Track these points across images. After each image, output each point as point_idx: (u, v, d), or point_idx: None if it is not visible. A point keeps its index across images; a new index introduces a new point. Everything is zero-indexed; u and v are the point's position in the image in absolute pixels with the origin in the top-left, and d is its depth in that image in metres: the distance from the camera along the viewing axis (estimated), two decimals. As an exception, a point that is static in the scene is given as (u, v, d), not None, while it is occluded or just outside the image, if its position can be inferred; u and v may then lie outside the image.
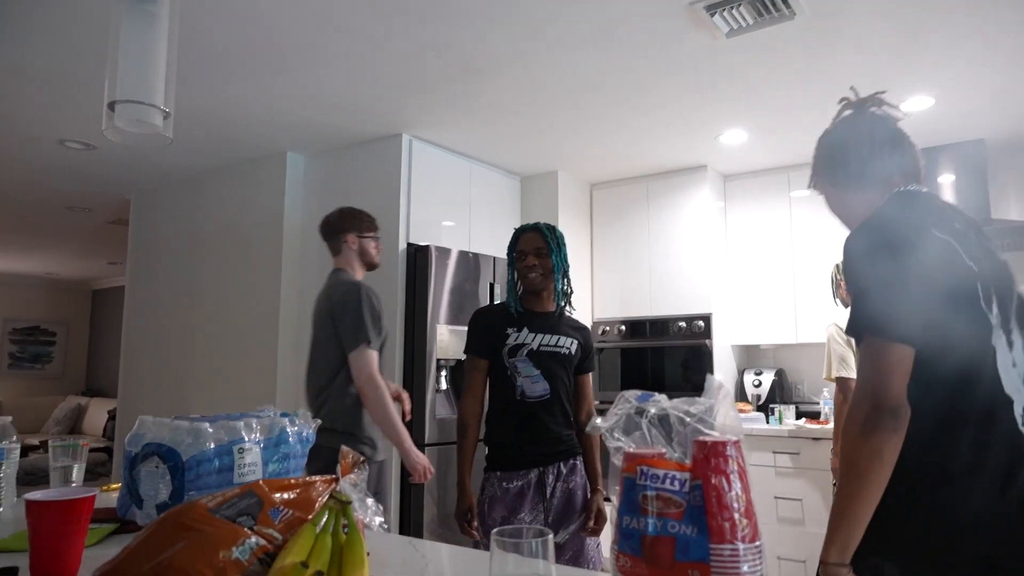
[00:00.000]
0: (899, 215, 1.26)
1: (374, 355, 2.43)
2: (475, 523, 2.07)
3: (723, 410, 0.88)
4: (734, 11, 2.49)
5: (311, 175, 4.13)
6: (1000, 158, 3.97)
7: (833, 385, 3.26)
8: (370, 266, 2.67)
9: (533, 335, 2.16)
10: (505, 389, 2.13)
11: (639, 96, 3.25)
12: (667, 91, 3.20)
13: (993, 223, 3.63)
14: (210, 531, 0.82)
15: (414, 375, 3.53)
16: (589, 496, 2.15)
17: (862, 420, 1.11)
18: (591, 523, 2.11)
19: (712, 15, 2.51)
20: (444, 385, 3.65)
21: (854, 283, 1.21)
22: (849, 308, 1.22)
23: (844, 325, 3.06)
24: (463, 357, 3.64)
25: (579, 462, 2.16)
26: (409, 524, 3.40)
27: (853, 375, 3.07)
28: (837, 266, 3.35)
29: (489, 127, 3.67)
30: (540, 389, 2.12)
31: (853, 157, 1.38)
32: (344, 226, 2.65)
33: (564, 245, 2.21)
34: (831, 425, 3.74)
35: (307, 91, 3.19)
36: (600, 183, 4.73)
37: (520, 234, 2.22)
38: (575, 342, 2.20)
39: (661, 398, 0.93)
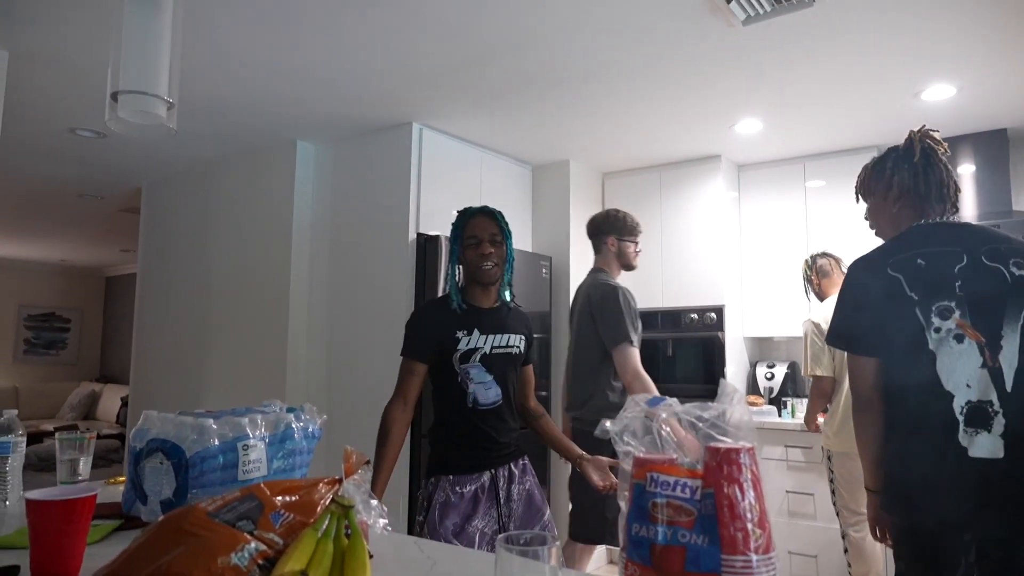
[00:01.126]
0: (878, 252, 1.72)
1: (636, 352, 2.58)
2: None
3: (737, 415, 0.86)
4: (751, -2, 2.43)
5: (321, 164, 4.11)
6: (1022, 148, 3.89)
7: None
8: (627, 267, 2.83)
9: (485, 337, 2.01)
10: (455, 397, 1.97)
11: (653, 84, 3.20)
12: (682, 79, 3.14)
13: (1014, 215, 3.56)
14: (209, 536, 0.81)
15: (424, 366, 3.51)
16: (582, 465, 2.09)
17: (853, 404, 1.70)
18: (608, 481, 2.04)
19: (729, 1, 2.46)
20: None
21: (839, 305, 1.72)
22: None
23: (820, 321, 3.07)
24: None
25: (527, 461, 2.11)
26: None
27: (826, 374, 3.06)
28: (807, 261, 3.34)
29: (500, 116, 3.63)
30: (493, 396, 2.02)
31: (896, 185, 1.79)
32: (606, 228, 2.82)
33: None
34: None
35: (317, 80, 3.16)
36: (612, 172, 4.68)
37: (469, 218, 2.03)
38: (523, 338, 2.10)
39: (673, 402, 0.91)
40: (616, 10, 2.54)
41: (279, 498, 0.91)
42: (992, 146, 3.74)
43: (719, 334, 4.12)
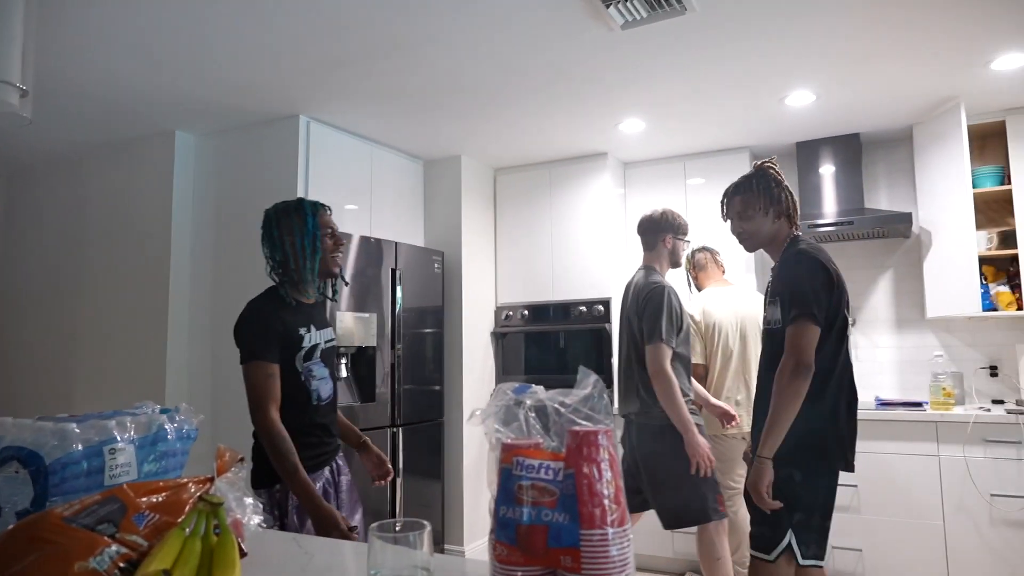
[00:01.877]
0: (818, 247, 2.13)
1: (667, 351, 2.67)
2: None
3: (595, 400, 0.91)
4: (628, 4, 2.54)
5: (202, 156, 3.94)
6: (873, 151, 4.26)
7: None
8: (675, 265, 2.95)
9: (319, 332, 2.06)
10: (297, 396, 1.97)
11: (540, 84, 3.28)
12: (567, 80, 3.24)
13: (865, 212, 3.89)
14: (64, 542, 0.78)
15: (313, 363, 3.45)
16: (367, 450, 2.18)
17: (794, 371, 1.96)
18: (383, 471, 2.15)
19: (607, 7, 2.55)
20: (345, 373, 3.59)
21: (798, 284, 2.04)
22: (779, 302, 2.08)
23: (695, 311, 3.29)
24: (361, 345, 3.61)
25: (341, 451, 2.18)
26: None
27: (699, 361, 3.29)
28: (687, 255, 3.53)
29: (391, 110, 3.61)
30: (329, 390, 2.08)
31: (787, 199, 2.20)
32: (664, 227, 2.88)
33: None
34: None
35: (197, 67, 3.03)
36: (504, 168, 4.75)
37: (317, 209, 2.07)
38: (332, 330, 2.17)
39: (538, 389, 0.95)
40: (503, 12, 2.59)
41: (144, 499, 0.89)
42: (847, 149, 4.08)
43: (606, 325, 4.28)
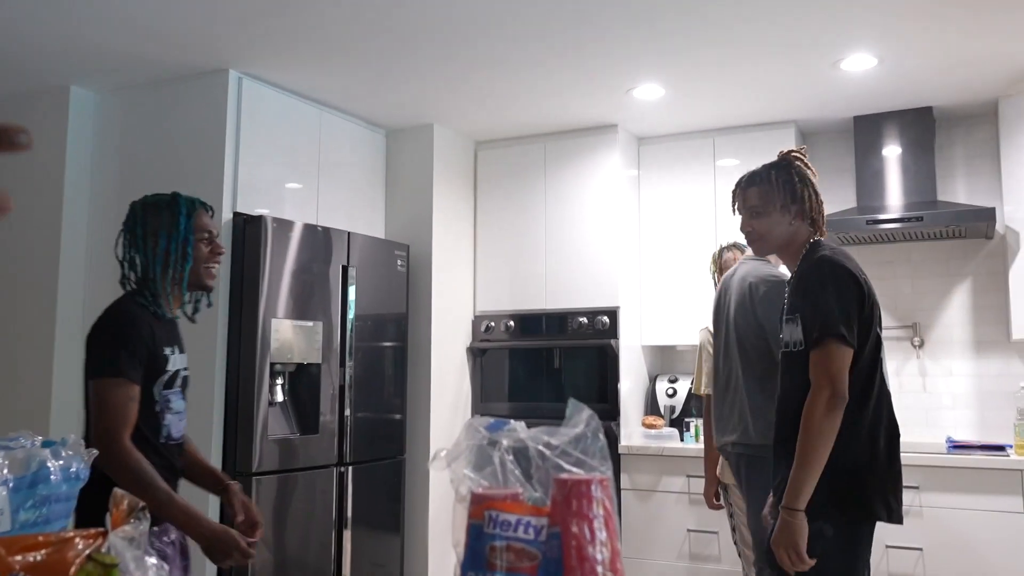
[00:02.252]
0: (848, 257, 2.15)
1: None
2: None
3: (589, 441, 0.92)
4: (646, -60, 2.56)
5: (105, 118, 3.93)
6: (949, 130, 4.31)
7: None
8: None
9: (181, 357, 2.11)
10: (145, 430, 1.98)
11: (536, 35, 3.30)
12: (569, 31, 3.25)
13: (938, 205, 3.94)
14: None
15: (240, 383, 3.44)
16: (229, 497, 2.17)
17: (828, 403, 1.98)
18: (251, 522, 2.12)
19: (620, -57, 2.58)
20: (281, 396, 3.59)
21: (823, 299, 2.06)
22: (799, 319, 2.10)
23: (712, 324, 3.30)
24: (301, 361, 3.61)
25: None
26: (231, 574, 3.33)
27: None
28: (714, 254, 3.54)
29: (346, 66, 3.61)
30: (182, 427, 2.11)
31: (812, 199, 2.22)
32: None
33: None
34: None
35: (99, 8, 3.02)
36: (487, 141, 4.76)
37: (195, 208, 2.11)
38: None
39: (518, 426, 0.96)
40: (486, -57, 2.60)
41: (18, 557, 0.89)
42: (917, 127, 4.13)
43: (612, 342, 4.30)
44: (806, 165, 2.27)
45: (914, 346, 4.26)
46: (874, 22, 3.17)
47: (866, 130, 4.24)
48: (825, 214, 2.27)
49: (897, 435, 2.13)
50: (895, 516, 2.09)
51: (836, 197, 4.49)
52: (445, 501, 4.31)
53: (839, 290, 2.08)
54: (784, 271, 2.79)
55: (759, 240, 2.28)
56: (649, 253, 4.57)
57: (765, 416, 2.69)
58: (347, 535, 3.75)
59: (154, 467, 1.98)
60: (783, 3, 3.01)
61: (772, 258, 2.92)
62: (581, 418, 0.93)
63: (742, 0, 2.98)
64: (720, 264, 3.61)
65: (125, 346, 1.95)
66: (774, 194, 2.22)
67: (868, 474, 2.07)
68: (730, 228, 4.26)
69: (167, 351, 2.03)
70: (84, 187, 3.89)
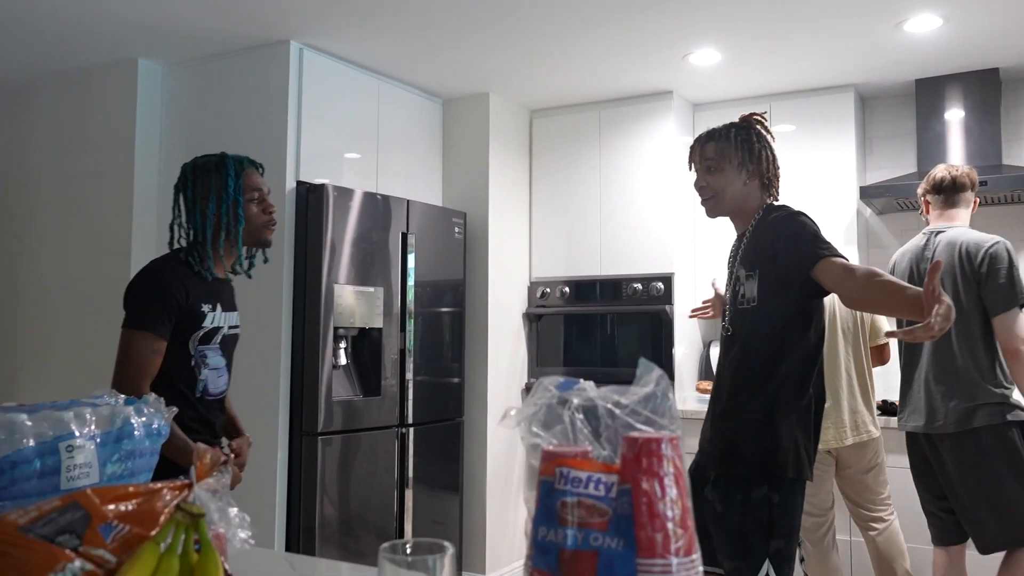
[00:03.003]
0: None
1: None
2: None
3: (659, 401, 0.92)
4: (706, -99, 2.50)
5: (171, 90, 3.99)
6: (1016, 92, 4.15)
7: None
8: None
9: (225, 314, 2.12)
10: (179, 384, 2.02)
11: (590, 3, 3.25)
12: (624, -3, 3.20)
13: (1003, 170, 3.81)
14: (19, 554, 0.82)
15: (305, 347, 3.50)
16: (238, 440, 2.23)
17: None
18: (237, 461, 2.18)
19: (679, -95, 2.52)
20: (344, 360, 3.65)
21: (802, 231, 2.05)
22: (759, 274, 2.08)
23: None
24: (363, 326, 3.66)
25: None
26: (298, 530, 3.42)
27: None
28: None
29: (403, 36, 3.61)
30: (223, 384, 2.12)
31: (768, 160, 2.23)
32: (972, 185, 3.06)
33: None
34: None
35: (163, -19, 3.06)
36: (542, 109, 4.73)
37: (248, 166, 2.13)
38: (237, 315, 2.22)
39: (587, 386, 0.96)
40: (544, -92, 2.57)
41: (111, 507, 0.92)
42: (983, 88, 3.98)
43: (667, 308, 4.27)
44: (766, 129, 2.27)
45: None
46: (940, -19, 3.06)
47: (928, 93, 4.11)
48: (780, 179, 2.24)
49: (824, 403, 2.17)
50: (812, 477, 2.13)
51: (896, 162, 4.37)
52: (502, 461, 4.35)
53: (813, 226, 2.09)
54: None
55: (712, 198, 2.24)
56: (704, 220, 4.49)
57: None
58: (408, 493, 3.81)
59: (189, 420, 2.03)
60: (845, -37, 2.92)
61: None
62: (651, 377, 0.93)
63: (803, -39, 2.89)
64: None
65: (154, 301, 1.99)
66: (731, 151, 2.20)
67: (807, 441, 2.09)
68: (788, 194, 4.17)
69: (204, 308, 2.05)
70: (153, 157, 3.97)
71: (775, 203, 2.23)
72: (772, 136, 2.26)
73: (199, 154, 3.80)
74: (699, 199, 2.28)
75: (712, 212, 2.28)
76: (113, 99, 3.98)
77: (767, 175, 2.21)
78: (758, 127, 2.26)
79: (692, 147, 2.31)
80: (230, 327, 2.15)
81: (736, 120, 2.29)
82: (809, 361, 2.09)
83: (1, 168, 4.44)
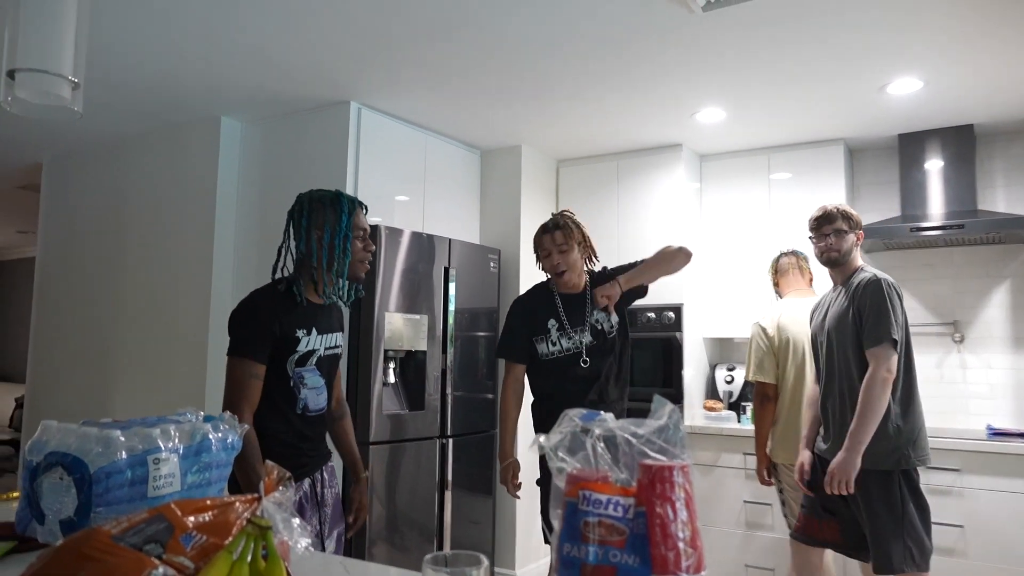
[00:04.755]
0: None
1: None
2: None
3: (671, 432, 0.91)
4: (712, -18, 2.50)
5: (249, 144, 4.06)
6: (988, 146, 4.09)
7: None
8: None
9: (320, 337, 2.06)
10: (281, 403, 1.99)
11: (610, 68, 3.26)
12: (640, 64, 3.21)
13: (979, 215, 3.74)
14: (113, 561, 0.82)
15: (359, 367, 3.52)
16: (354, 489, 2.22)
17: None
18: (356, 517, 2.20)
19: (688, -15, 2.52)
20: (393, 379, 3.65)
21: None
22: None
23: (768, 324, 3.23)
24: (410, 348, 3.66)
25: (332, 463, 2.21)
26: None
27: (768, 380, 3.24)
28: (775, 257, 3.47)
29: (446, 96, 3.65)
30: (322, 401, 2.08)
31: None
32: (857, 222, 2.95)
33: None
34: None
35: (244, 50, 3.12)
36: (567, 160, 4.75)
37: (354, 208, 2.07)
38: (342, 335, 2.17)
39: (608, 417, 0.95)
40: (570, -11, 2.59)
41: (191, 518, 0.93)
42: (959, 142, 3.93)
43: (677, 334, 4.23)
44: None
45: (955, 341, 4.06)
46: (919, 49, 3.03)
47: (910, 146, 4.05)
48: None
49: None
50: None
51: (882, 206, 4.32)
52: (529, 470, 4.31)
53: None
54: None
55: (567, 269, 2.68)
56: (710, 256, 4.49)
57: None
58: (448, 496, 3.80)
59: (285, 434, 2.00)
60: (835, 31, 2.90)
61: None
62: (664, 411, 0.92)
63: (796, 28, 2.88)
64: (776, 267, 3.52)
65: (250, 329, 1.95)
66: (571, 234, 2.70)
67: None
68: (783, 235, 4.15)
69: (299, 333, 2.00)
70: (232, 203, 4.03)
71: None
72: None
73: (270, 201, 3.91)
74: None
75: (570, 280, 2.72)
76: (198, 152, 4.06)
77: (590, 248, 2.77)
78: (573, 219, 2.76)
79: (548, 227, 2.73)
80: (327, 348, 2.08)
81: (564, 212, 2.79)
82: None
83: (99, 219, 4.53)
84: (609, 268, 2.81)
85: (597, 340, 2.65)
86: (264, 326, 1.95)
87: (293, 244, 2.06)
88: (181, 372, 3.96)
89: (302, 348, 2.01)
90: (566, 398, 2.53)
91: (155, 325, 4.13)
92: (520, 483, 2.77)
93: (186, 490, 1.36)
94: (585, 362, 2.63)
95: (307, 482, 2.07)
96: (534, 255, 2.78)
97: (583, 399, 2.61)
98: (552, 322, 2.68)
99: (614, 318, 2.69)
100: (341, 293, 2.07)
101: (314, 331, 2.04)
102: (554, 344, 2.66)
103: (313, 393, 2.05)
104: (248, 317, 1.97)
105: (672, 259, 2.75)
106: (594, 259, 2.78)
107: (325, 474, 2.15)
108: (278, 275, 2.09)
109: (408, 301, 3.70)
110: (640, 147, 4.46)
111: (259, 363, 1.94)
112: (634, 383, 4.35)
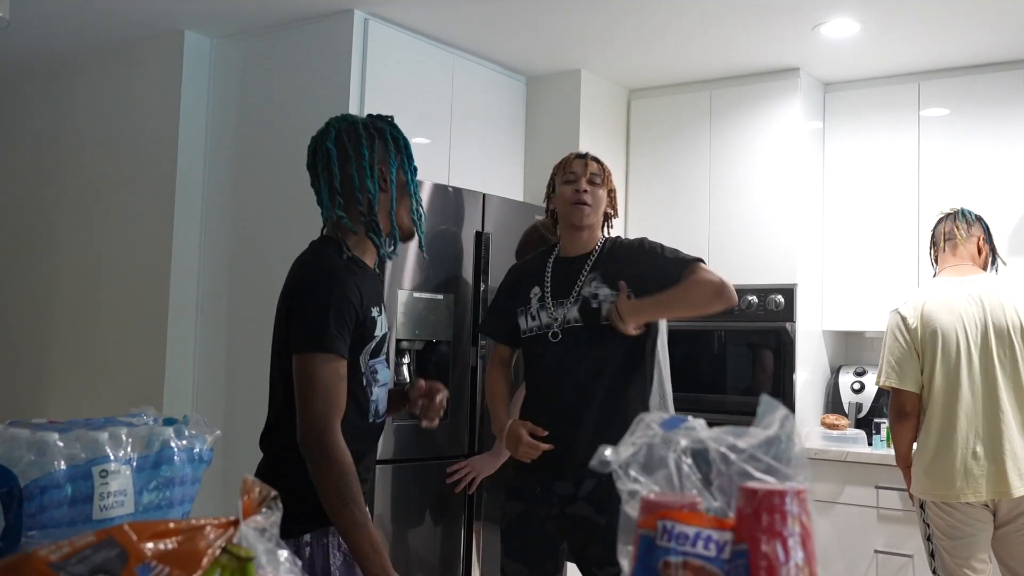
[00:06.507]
0: None
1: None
2: None
3: (783, 445, 0.90)
4: None
5: (221, 65, 4.10)
6: None
7: None
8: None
9: (385, 316, 2.04)
10: (353, 409, 1.92)
11: (703, -36, 3.23)
12: (744, -42, 3.17)
13: None
14: (50, 595, 0.85)
15: (363, 362, 3.56)
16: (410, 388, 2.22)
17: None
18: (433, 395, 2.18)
19: None
20: (407, 377, 3.68)
21: None
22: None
23: (908, 312, 3.20)
24: (430, 338, 3.69)
25: None
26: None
27: (909, 388, 3.21)
28: (963, 215, 3.36)
29: (483, 3, 3.64)
30: (386, 402, 2.09)
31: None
32: None
33: None
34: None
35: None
36: (642, 89, 4.72)
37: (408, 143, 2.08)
38: None
39: (697, 425, 0.95)
40: None
41: (149, 545, 0.94)
42: None
43: (787, 325, 4.20)
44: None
45: None
46: None
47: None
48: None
49: None
50: None
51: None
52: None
53: None
54: None
55: (590, 207, 2.70)
56: (835, 222, 4.43)
57: None
58: (478, 531, 3.80)
59: (357, 454, 1.92)
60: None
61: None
62: (775, 418, 0.91)
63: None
64: (934, 232, 3.44)
65: (333, 313, 1.86)
66: (607, 173, 2.82)
67: None
68: (939, 194, 4.07)
69: (374, 312, 1.95)
70: (199, 142, 4.08)
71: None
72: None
73: (248, 138, 3.95)
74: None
75: (585, 221, 2.72)
76: (157, 74, 4.11)
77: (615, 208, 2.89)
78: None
79: (576, 157, 2.85)
80: (387, 331, 2.08)
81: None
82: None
83: (28, 158, 4.62)
84: (622, 239, 2.87)
85: (585, 320, 2.61)
86: (350, 307, 1.88)
87: (354, 183, 1.95)
88: (134, 362, 4.05)
89: (378, 332, 1.97)
90: (536, 395, 2.67)
91: (100, 300, 4.21)
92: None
93: (141, 512, 1.40)
94: (556, 335, 2.62)
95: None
96: (547, 187, 2.88)
97: (556, 398, 2.64)
98: (535, 290, 2.70)
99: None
100: (388, 253, 2.04)
101: (383, 309, 2.01)
102: (533, 319, 2.69)
103: (382, 392, 2.03)
104: (331, 295, 1.88)
105: (699, 296, 2.85)
106: (611, 222, 2.86)
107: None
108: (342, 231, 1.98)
109: (427, 276, 3.71)
110: (742, 72, 4.41)
111: (344, 358, 1.88)
112: (727, 390, 4.33)
